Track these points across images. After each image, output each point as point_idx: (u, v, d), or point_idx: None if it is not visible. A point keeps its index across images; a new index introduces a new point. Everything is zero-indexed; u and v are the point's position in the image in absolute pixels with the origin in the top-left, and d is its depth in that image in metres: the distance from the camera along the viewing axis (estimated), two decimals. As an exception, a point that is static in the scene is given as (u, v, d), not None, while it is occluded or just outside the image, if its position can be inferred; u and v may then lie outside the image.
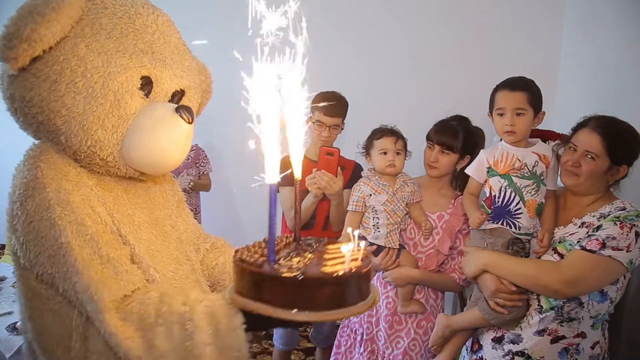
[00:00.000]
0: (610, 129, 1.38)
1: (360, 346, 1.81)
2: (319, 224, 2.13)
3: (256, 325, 0.72)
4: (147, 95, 0.82)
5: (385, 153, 1.76)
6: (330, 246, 0.80)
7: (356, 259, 0.70)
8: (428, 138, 1.81)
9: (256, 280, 0.69)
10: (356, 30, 3.14)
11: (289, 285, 0.67)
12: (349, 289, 0.69)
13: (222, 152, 3.36)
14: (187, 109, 0.83)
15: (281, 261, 0.71)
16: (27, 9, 0.72)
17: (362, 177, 1.83)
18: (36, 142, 0.86)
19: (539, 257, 1.46)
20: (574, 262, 1.33)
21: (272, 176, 0.70)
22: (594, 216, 1.40)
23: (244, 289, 0.71)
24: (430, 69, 3.00)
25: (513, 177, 1.54)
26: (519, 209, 1.53)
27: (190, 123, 0.83)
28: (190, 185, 2.93)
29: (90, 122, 0.77)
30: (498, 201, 1.56)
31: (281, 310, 0.67)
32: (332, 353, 1.90)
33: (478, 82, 2.81)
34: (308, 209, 2.01)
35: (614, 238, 1.29)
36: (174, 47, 0.87)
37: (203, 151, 3.12)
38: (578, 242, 1.37)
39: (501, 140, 1.59)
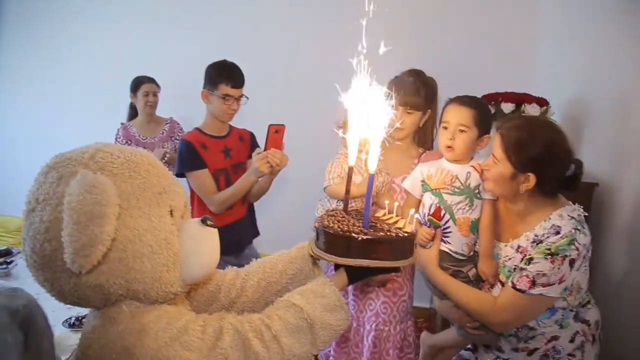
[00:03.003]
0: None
1: None
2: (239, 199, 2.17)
3: (354, 278, 1.06)
4: (174, 223, 0.93)
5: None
6: (380, 216, 1.14)
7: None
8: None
9: (364, 243, 0.97)
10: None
11: (392, 243, 0.99)
12: (412, 244, 1.05)
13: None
14: (207, 217, 0.97)
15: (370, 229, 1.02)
16: (84, 216, 0.77)
17: (340, 154, 1.78)
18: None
19: (491, 287, 1.47)
20: (505, 304, 1.33)
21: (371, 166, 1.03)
22: (528, 239, 1.35)
23: (342, 251, 0.99)
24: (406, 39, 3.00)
25: (444, 194, 1.52)
26: (448, 227, 1.51)
27: (216, 227, 0.97)
28: (166, 158, 2.88)
29: (159, 272, 0.88)
30: (426, 220, 1.53)
31: (387, 261, 0.99)
32: None
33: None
34: (245, 187, 2.01)
35: (544, 274, 1.26)
36: (164, 170, 0.96)
37: (178, 124, 3.09)
38: (514, 269, 1.35)
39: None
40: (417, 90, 1.71)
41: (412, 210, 1.14)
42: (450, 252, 1.52)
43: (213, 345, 0.88)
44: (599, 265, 1.86)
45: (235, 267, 1.20)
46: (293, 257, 1.16)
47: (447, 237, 1.52)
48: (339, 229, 1.00)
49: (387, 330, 1.81)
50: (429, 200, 1.55)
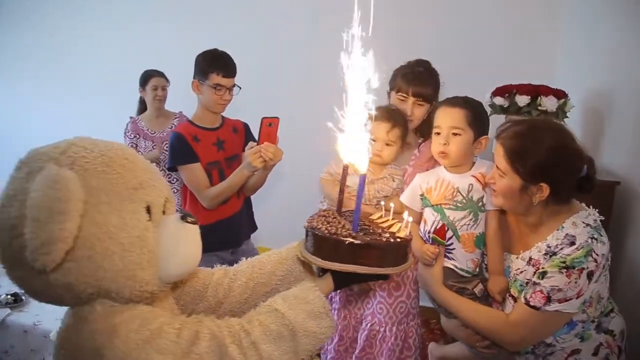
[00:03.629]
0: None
1: (338, 316, 1.83)
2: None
3: (340, 284, 1.00)
4: (150, 220, 0.89)
5: (374, 141, 1.58)
6: (375, 218, 1.06)
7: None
8: (397, 88, 1.65)
9: (351, 247, 0.91)
10: None
11: (382, 249, 0.92)
12: (405, 250, 0.97)
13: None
14: (187, 214, 0.93)
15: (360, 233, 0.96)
16: (44, 213, 0.74)
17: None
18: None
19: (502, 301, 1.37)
20: (518, 321, 1.24)
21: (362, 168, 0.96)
22: (540, 251, 1.25)
23: (329, 255, 0.93)
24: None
25: (445, 210, 1.41)
26: (451, 244, 1.41)
27: (197, 223, 0.93)
28: (162, 155, 2.88)
29: (131, 270, 0.84)
30: (429, 237, 1.42)
31: (375, 267, 0.92)
32: None
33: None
34: (238, 182, 1.95)
35: (560, 290, 1.16)
36: (143, 164, 0.92)
37: (187, 118, 3.04)
38: (527, 284, 1.26)
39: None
40: (428, 82, 1.65)
41: (406, 214, 1.06)
42: (455, 269, 1.42)
43: (188, 350, 0.84)
44: (622, 268, 1.77)
45: (224, 266, 1.16)
46: (283, 257, 1.12)
47: (451, 253, 1.42)
48: (326, 231, 0.94)
49: (382, 331, 1.76)
50: (430, 216, 1.44)
